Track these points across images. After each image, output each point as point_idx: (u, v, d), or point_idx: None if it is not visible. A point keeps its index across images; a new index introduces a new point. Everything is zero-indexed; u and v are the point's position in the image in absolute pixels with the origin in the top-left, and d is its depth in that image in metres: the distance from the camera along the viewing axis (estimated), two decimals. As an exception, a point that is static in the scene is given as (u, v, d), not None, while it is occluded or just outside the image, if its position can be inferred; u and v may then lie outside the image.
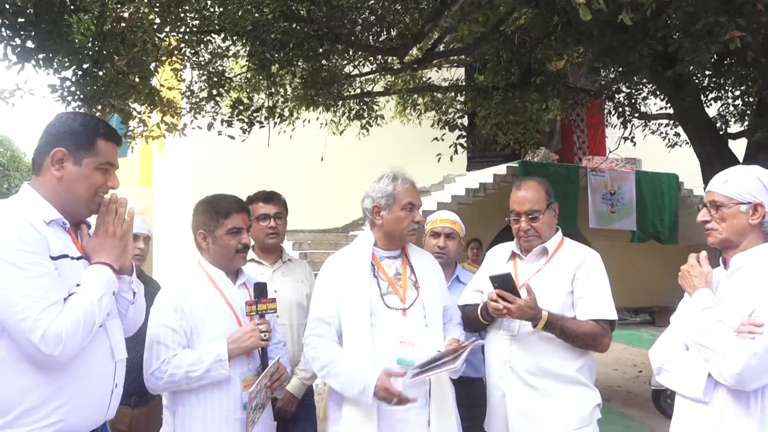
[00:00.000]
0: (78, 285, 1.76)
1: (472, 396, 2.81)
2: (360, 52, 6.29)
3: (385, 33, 6.13)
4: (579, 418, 2.44)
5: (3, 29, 4.18)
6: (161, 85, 6.28)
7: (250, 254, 3.31)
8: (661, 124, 8.26)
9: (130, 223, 1.92)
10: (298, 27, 5.46)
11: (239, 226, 2.41)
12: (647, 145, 9.03)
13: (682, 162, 9.38)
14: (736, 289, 1.90)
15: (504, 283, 2.36)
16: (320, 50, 5.70)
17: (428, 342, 2.37)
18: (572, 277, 2.51)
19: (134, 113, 5.53)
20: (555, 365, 2.44)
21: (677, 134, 8.05)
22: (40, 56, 4.33)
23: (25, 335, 1.61)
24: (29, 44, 4.28)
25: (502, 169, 10.40)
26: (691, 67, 4.36)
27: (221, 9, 5.36)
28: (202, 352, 2.24)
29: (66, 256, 1.77)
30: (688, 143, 7.08)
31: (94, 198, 1.86)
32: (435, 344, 2.38)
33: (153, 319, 2.26)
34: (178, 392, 2.26)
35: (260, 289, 2.43)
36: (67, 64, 4.63)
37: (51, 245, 1.73)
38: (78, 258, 1.82)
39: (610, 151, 10.98)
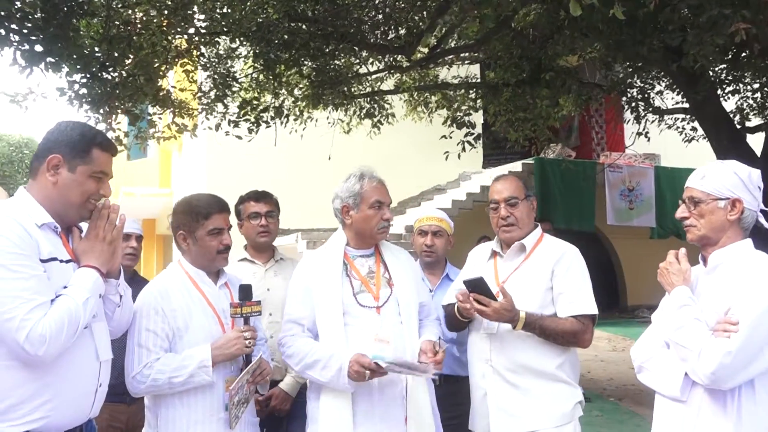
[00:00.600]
0: (65, 287, 1.80)
1: (458, 394, 2.79)
2: (367, 51, 6.29)
3: (392, 32, 6.11)
4: (560, 416, 2.43)
5: (11, 34, 4.28)
6: (172, 87, 6.37)
7: (243, 253, 3.34)
8: (678, 118, 8.12)
9: (120, 229, 1.96)
10: (304, 27, 5.49)
11: (220, 226, 2.39)
12: (667, 141, 8.88)
13: (703, 157, 9.21)
14: (715, 287, 1.87)
15: (477, 286, 2.33)
16: (326, 50, 5.71)
17: (403, 339, 2.36)
18: (551, 273, 2.48)
19: (143, 115, 5.60)
20: (535, 362, 2.43)
21: (694, 129, 7.90)
22: (48, 60, 4.43)
23: (11, 335, 1.66)
24: (37, 48, 4.38)
25: (517, 166, 10.31)
26: (697, 61, 4.27)
27: (228, 10, 5.41)
28: (186, 357, 2.23)
29: (55, 259, 1.82)
30: (705, 138, 6.96)
31: (85, 204, 1.91)
32: (410, 341, 2.37)
33: (134, 322, 2.25)
34: (160, 394, 2.26)
35: (245, 292, 2.39)
36: (77, 67, 4.73)
37: (41, 248, 1.78)
38: (67, 261, 1.87)
39: (626, 147, 10.85)
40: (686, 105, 7.15)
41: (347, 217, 2.49)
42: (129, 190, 12.96)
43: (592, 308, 2.45)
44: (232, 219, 3.40)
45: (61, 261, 1.84)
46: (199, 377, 2.20)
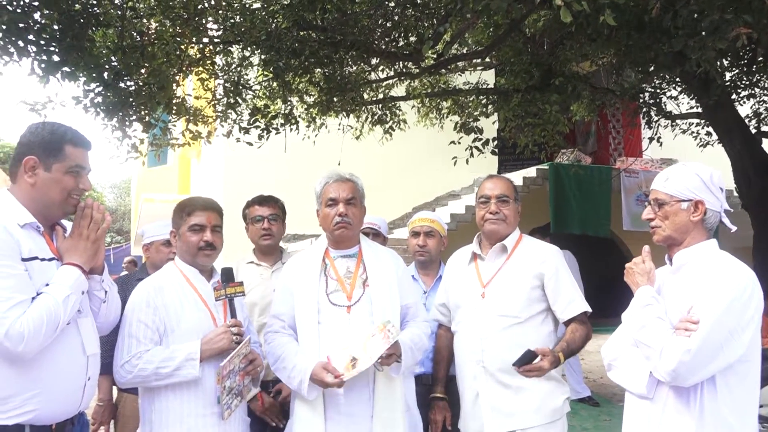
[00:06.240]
0: (47, 285, 1.88)
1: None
2: (376, 58, 6.38)
3: (401, 39, 6.19)
4: (552, 411, 2.50)
5: (29, 45, 4.44)
6: (187, 95, 6.52)
7: (250, 257, 3.44)
8: (693, 123, 8.07)
9: (105, 228, 2.04)
10: (313, 35, 5.59)
11: (201, 223, 2.46)
12: (685, 146, 8.82)
13: (721, 161, 9.11)
14: (679, 286, 1.91)
15: (526, 360, 2.36)
16: (335, 57, 5.81)
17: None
18: (537, 273, 2.57)
19: (158, 123, 5.74)
20: None
21: (709, 133, 7.85)
22: (65, 70, 4.59)
23: None
24: (54, 58, 4.54)
25: (532, 171, 10.30)
26: (700, 65, 4.28)
27: (239, 19, 5.54)
28: (174, 350, 2.30)
29: (36, 258, 1.89)
30: (720, 142, 6.91)
31: (67, 200, 1.99)
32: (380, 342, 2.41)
33: (127, 314, 2.34)
34: (155, 387, 2.32)
35: (227, 274, 2.49)
36: (93, 76, 4.89)
37: (22, 247, 1.86)
38: (50, 259, 1.95)
39: (640, 152, 10.77)
40: (700, 110, 7.12)
41: (319, 220, 2.58)
42: (149, 196, 13.25)
43: (587, 305, 2.61)
44: (239, 223, 3.53)
45: (43, 259, 1.91)
46: (186, 370, 2.26)
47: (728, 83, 6.89)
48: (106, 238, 2.09)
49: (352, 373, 2.24)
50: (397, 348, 2.33)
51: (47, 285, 1.88)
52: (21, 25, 4.28)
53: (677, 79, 7.27)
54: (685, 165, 2.01)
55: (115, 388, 3.44)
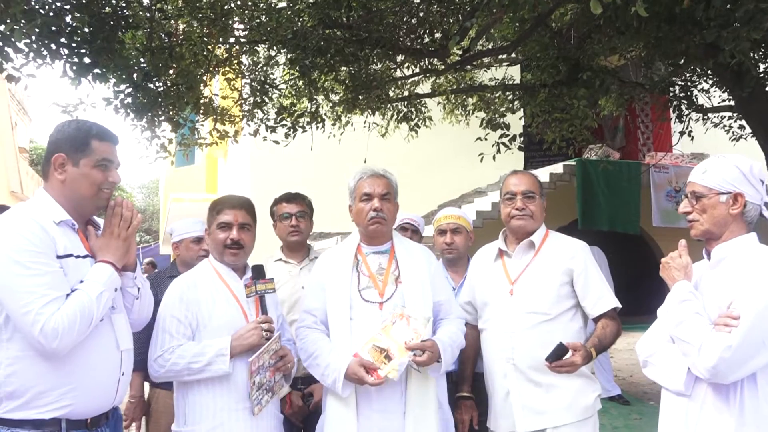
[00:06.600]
0: (81, 282, 1.91)
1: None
2: (401, 55, 6.36)
3: (427, 35, 6.17)
4: (583, 409, 2.48)
5: (61, 48, 4.53)
6: (214, 95, 6.58)
7: (278, 254, 3.46)
8: (725, 116, 7.89)
9: (135, 226, 2.08)
10: (339, 33, 5.60)
11: (228, 221, 2.49)
12: (717, 139, 8.64)
13: (755, 156, 8.86)
14: (718, 281, 1.86)
15: (558, 355, 2.34)
16: (361, 55, 5.81)
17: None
18: (566, 269, 2.54)
19: (186, 122, 5.80)
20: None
21: (742, 127, 7.67)
22: (95, 72, 4.67)
23: (27, 328, 1.78)
24: (85, 60, 4.62)
25: (558, 167, 10.18)
26: (734, 57, 4.18)
27: (265, 19, 5.58)
28: (206, 345, 2.34)
29: (71, 255, 1.93)
30: (753, 136, 6.75)
31: (98, 194, 2.02)
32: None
33: (161, 309, 2.40)
34: (188, 382, 2.37)
35: (258, 271, 2.52)
36: (123, 77, 4.96)
37: (57, 245, 1.89)
38: (84, 256, 1.98)
39: (670, 146, 10.57)
40: (732, 103, 6.96)
41: (352, 216, 2.58)
42: (177, 195, 13.45)
43: (617, 301, 2.58)
44: (267, 220, 3.55)
45: (77, 257, 1.94)
46: (217, 365, 2.30)
47: (762, 74, 6.73)
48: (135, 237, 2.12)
49: (393, 365, 2.24)
50: (435, 348, 2.33)
51: (81, 282, 1.92)
52: (53, 28, 4.35)
53: (709, 72, 7.12)
54: (723, 157, 1.95)
55: (147, 385, 3.49)
